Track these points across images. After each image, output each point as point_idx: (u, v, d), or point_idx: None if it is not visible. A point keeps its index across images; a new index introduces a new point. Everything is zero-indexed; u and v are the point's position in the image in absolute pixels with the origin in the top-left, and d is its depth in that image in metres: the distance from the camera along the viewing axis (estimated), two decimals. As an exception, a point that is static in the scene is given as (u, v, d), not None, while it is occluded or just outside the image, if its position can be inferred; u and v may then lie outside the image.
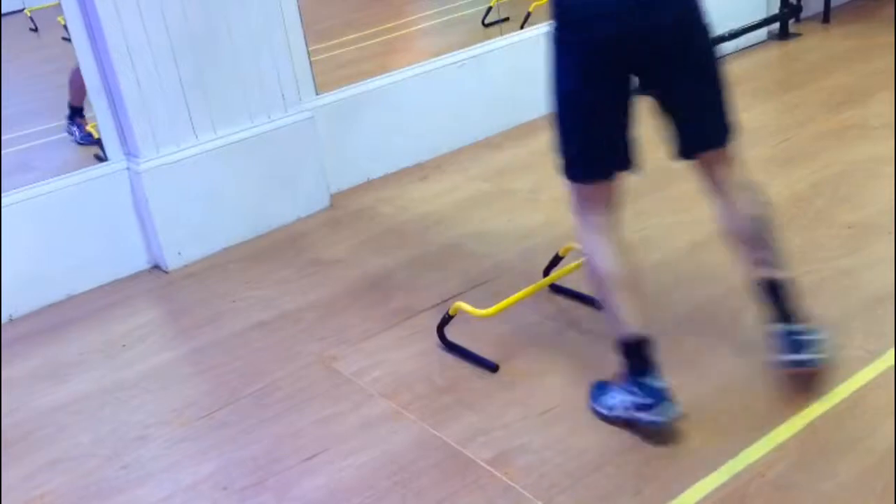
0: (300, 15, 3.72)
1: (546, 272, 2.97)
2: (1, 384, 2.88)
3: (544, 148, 4.10)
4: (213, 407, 2.65)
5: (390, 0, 6.54)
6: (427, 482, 2.26)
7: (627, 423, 2.30)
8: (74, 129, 4.12)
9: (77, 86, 4.01)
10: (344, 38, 5.21)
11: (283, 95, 3.65)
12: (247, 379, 2.76)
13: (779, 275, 2.33)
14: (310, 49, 3.80)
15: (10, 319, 3.28)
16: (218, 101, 3.49)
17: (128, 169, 3.42)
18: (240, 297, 3.24)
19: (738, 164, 2.33)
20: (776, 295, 2.33)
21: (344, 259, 3.43)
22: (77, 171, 3.41)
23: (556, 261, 2.97)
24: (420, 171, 4.07)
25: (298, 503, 2.26)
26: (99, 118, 3.39)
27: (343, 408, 2.58)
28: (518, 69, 4.38)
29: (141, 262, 3.53)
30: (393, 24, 5.67)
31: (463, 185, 3.93)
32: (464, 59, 4.26)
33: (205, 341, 3.00)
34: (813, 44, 5.13)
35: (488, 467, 2.28)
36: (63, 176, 3.39)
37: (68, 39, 3.32)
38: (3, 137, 3.72)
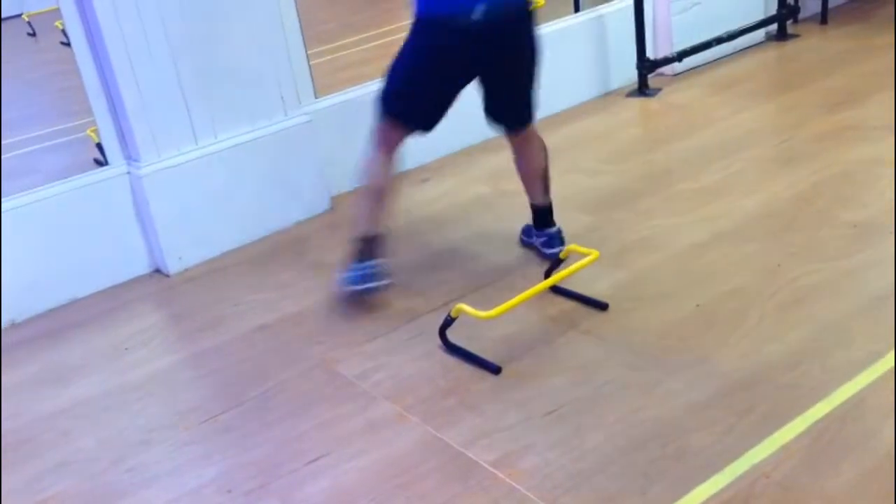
0: (299, 18, 3.72)
1: (547, 274, 2.97)
2: (1, 389, 2.88)
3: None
4: (216, 410, 2.65)
5: (389, 3, 6.55)
6: (430, 485, 2.27)
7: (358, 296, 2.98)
8: None
9: None
10: (343, 42, 5.22)
11: (282, 99, 3.65)
12: (250, 382, 2.76)
13: (545, 201, 3.18)
14: (309, 52, 3.81)
15: (13, 324, 3.28)
16: (218, 104, 3.49)
17: (129, 173, 3.42)
18: (241, 300, 3.24)
19: (532, 131, 3.06)
20: (541, 214, 3.19)
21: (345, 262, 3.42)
22: (78, 176, 3.41)
23: (557, 262, 2.97)
24: (420, 173, 4.07)
25: (303, 506, 2.26)
26: (99, 122, 3.39)
27: (346, 411, 2.58)
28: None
29: (142, 267, 3.52)
30: (392, 26, 5.67)
31: (463, 187, 3.93)
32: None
33: (207, 345, 3.00)
34: (811, 45, 5.14)
35: (492, 469, 2.28)
36: (64, 180, 3.39)
37: (67, 44, 3.32)
38: (2, 142, 3.72)
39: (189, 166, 3.45)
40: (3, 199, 3.24)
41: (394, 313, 3.03)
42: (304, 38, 3.75)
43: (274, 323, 3.07)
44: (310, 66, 3.81)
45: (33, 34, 6.06)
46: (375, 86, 4.04)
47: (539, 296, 2.88)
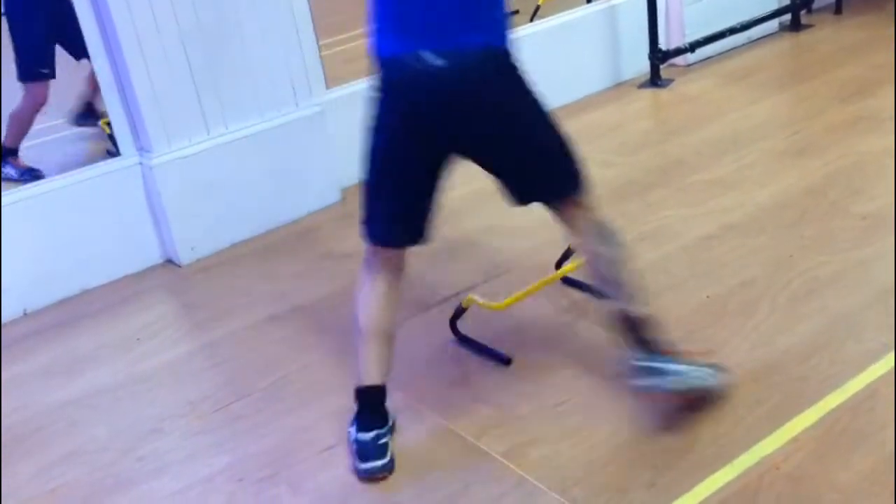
0: (310, 9, 3.72)
1: (558, 265, 2.97)
2: (0, 382, 2.90)
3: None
4: (227, 400, 2.66)
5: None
6: (441, 475, 2.27)
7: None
8: (10, 169, 3.96)
9: (16, 127, 3.98)
10: (355, 32, 5.20)
11: (293, 90, 3.65)
12: (261, 372, 2.77)
13: (633, 311, 2.29)
14: (320, 43, 3.80)
15: (25, 314, 3.30)
16: (229, 95, 3.50)
17: (140, 164, 3.43)
18: (253, 290, 3.25)
19: (587, 209, 2.31)
20: (631, 328, 2.29)
21: (355, 253, 3.38)
22: (90, 167, 3.43)
23: (568, 254, 2.97)
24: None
25: (313, 495, 2.27)
26: (111, 114, 3.40)
27: (356, 401, 2.58)
28: (528, 62, 4.36)
29: (154, 257, 3.54)
30: (403, 17, 5.65)
31: (473, 178, 3.89)
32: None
33: (218, 335, 3.01)
34: (824, 35, 5.11)
35: (502, 459, 2.28)
36: (76, 171, 3.41)
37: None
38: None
39: (200, 157, 3.46)
40: (16, 190, 3.26)
41: (404, 304, 3.01)
42: (315, 29, 3.75)
43: (285, 313, 3.08)
44: (321, 57, 3.81)
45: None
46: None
47: (550, 287, 2.88)
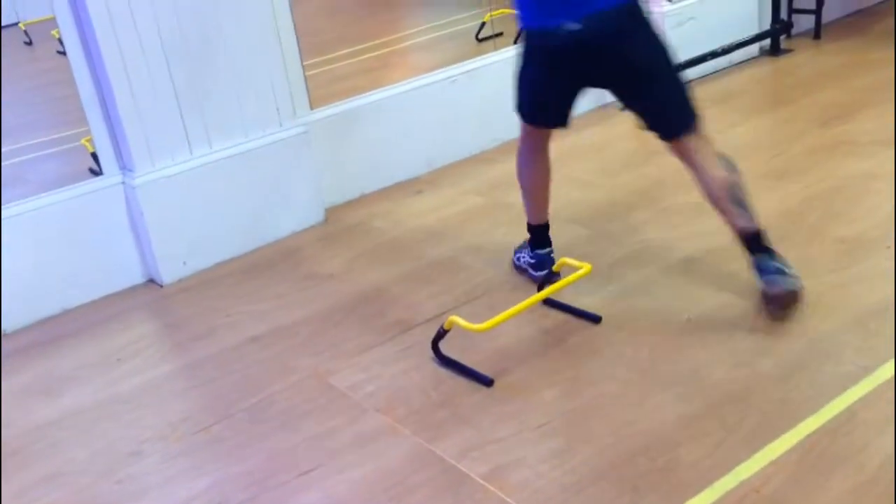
0: (295, 29, 3.73)
1: (540, 287, 2.98)
2: (1, 395, 2.88)
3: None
4: (208, 422, 2.65)
5: (384, 15, 6.57)
6: (422, 497, 2.27)
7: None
8: None
9: None
10: (338, 53, 5.23)
11: (277, 110, 3.66)
12: (242, 393, 2.76)
13: (754, 226, 2.79)
14: (305, 63, 3.82)
15: (4, 334, 3.27)
16: (213, 115, 3.50)
17: (123, 183, 3.43)
18: (234, 311, 3.24)
19: (704, 142, 2.80)
20: (756, 242, 2.79)
21: (338, 273, 3.43)
22: (72, 185, 3.42)
23: (550, 275, 2.98)
24: (414, 185, 4.08)
25: (293, 518, 2.26)
26: (94, 132, 3.39)
27: (338, 422, 2.58)
28: (512, 84, 4.40)
29: (136, 276, 3.52)
30: (387, 38, 5.69)
31: (457, 199, 3.94)
32: (457, 74, 4.28)
33: (200, 356, 3.00)
34: (804, 59, 5.17)
35: (483, 482, 2.28)
36: (58, 190, 3.39)
37: (63, 53, 3.33)
38: (1, 150, 3.72)
39: (183, 176, 3.46)
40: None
41: (386, 325, 3.03)
42: (300, 49, 3.76)
43: (266, 334, 3.07)
44: (305, 77, 3.83)
45: (30, 43, 6.06)
46: (371, 98, 4.10)
47: (532, 309, 2.89)
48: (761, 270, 2.75)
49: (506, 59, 4.42)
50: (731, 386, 2.52)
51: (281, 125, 3.68)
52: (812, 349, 2.63)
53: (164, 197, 3.42)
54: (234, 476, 2.42)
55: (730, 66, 5.10)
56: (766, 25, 5.20)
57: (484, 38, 5.20)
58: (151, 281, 3.54)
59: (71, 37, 3.25)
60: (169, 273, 3.49)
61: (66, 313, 3.37)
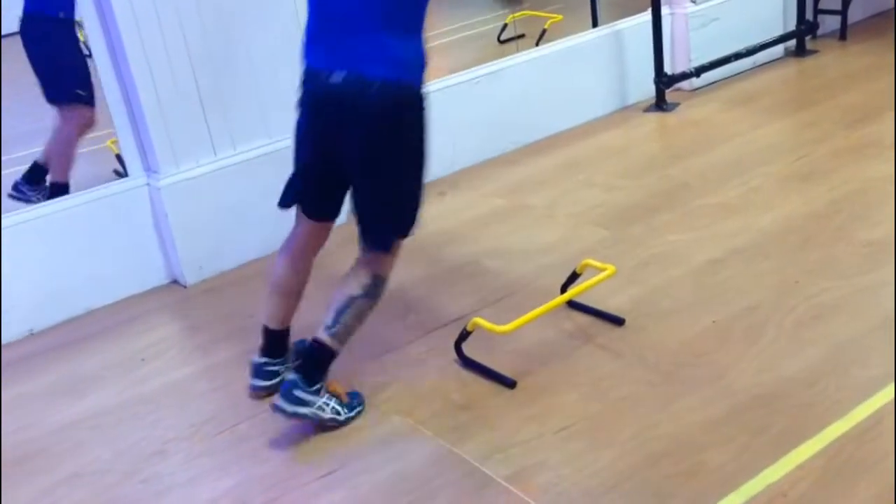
0: (318, 32, 3.73)
1: (564, 288, 2.97)
2: (0, 402, 2.90)
3: (560, 164, 4.13)
4: (231, 422, 2.66)
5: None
6: (444, 499, 2.26)
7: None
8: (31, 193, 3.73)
9: (58, 159, 3.74)
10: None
11: (301, 112, 3.66)
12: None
13: (328, 343, 2.52)
14: (328, 66, 3.81)
15: (31, 333, 3.30)
16: (236, 117, 3.52)
17: (147, 184, 3.45)
18: (257, 312, 3.24)
19: (386, 261, 2.57)
20: (315, 356, 2.53)
21: (361, 275, 3.43)
22: (98, 187, 3.44)
23: (573, 277, 2.97)
24: (436, 187, 4.08)
25: (316, 519, 2.27)
26: (119, 135, 3.42)
27: (360, 424, 2.58)
28: (534, 85, 4.40)
29: (160, 278, 3.55)
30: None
31: (479, 201, 3.94)
32: (480, 76, 4.27)
33: (223, 356, 3.01)
34: (829, 61, 5.13)
35: (506, 484, 2.28)
36: (84, 192, 3.42)
37: (89, 55, 3.36)
38: (2, 158, 3.73)
39: (207, 178, 3.47)
40: (23, 210, 3.27)
41: (408, 326, 3.03)
42: (322, 52, 3.76)
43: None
44: (328, 79, 3.82)
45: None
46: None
47: (555, 310, 2.88)
48: (284, 385, 2.49)
49: (528, 62, 4.43)
50: (757, 390, 2.49)
51: (304, 127, 3.68)
52: (838, 353, 2.61)
53: (189, 198, 3.44)
54: (256, 477, 2.43)
55: (754, 68, 5.07)
56: (792, 26, 5.16)
57: (506, 40, 5.20)
58: (175, 282, 3.55)
59: (97, 39, 3.27)
60: (193, 274, 3.51)
61: (90, 314, 3.39)
